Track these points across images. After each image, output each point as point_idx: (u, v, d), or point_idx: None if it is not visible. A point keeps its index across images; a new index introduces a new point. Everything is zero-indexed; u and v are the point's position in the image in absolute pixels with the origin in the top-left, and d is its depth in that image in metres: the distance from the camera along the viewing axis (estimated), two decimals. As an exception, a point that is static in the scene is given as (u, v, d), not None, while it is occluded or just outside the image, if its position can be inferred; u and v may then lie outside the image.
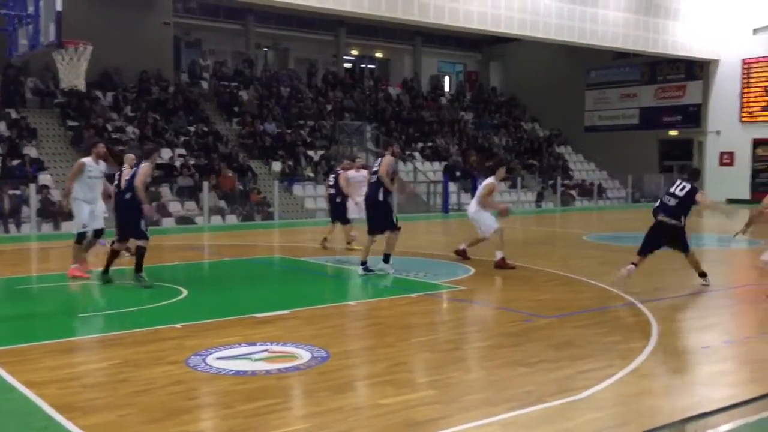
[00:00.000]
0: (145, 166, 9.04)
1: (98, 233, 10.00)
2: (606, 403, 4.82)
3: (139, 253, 9.05)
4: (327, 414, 4.56)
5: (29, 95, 23.30)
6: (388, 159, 10.15)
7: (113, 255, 9.31)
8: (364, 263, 10.11)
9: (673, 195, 9.04)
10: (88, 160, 9.70)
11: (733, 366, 5.94)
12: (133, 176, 9.06)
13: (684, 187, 9.03)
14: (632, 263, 8.94)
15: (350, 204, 13.17)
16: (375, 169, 10.30)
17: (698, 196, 9.01)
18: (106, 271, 9.27)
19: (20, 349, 6.27)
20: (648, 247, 9.10)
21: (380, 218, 10.11)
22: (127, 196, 9.05)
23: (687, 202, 8.97)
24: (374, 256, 10.20)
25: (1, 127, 21.08)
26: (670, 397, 4.99)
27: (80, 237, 9.76)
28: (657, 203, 9.34)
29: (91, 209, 9.74)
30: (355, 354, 6.08)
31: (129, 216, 9.03)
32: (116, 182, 10.14)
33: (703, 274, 9.33)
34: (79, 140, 21.40)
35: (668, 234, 9.04)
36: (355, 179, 13.08)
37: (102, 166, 9.89)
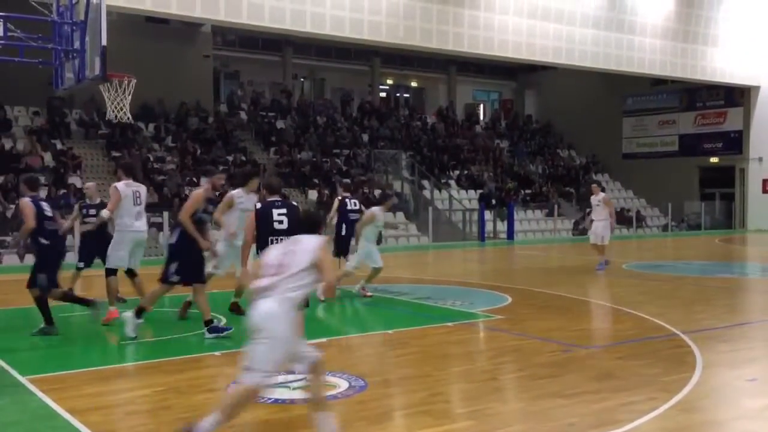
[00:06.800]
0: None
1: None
2: (649, 437, 4.73)
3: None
4: (365, 444, 4.55)
5: (74, 127, 23.97)
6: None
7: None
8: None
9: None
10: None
11: (781, 399, 5.78)
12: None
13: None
14: None
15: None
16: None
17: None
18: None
19: (63, 376, 6.39)
20: None
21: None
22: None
23: None
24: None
25: (47, 158, 21.69)
26: (716, 431, 4.87)
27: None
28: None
29: None
30: (393, 383, 6.06)
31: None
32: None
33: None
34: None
35: None
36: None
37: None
